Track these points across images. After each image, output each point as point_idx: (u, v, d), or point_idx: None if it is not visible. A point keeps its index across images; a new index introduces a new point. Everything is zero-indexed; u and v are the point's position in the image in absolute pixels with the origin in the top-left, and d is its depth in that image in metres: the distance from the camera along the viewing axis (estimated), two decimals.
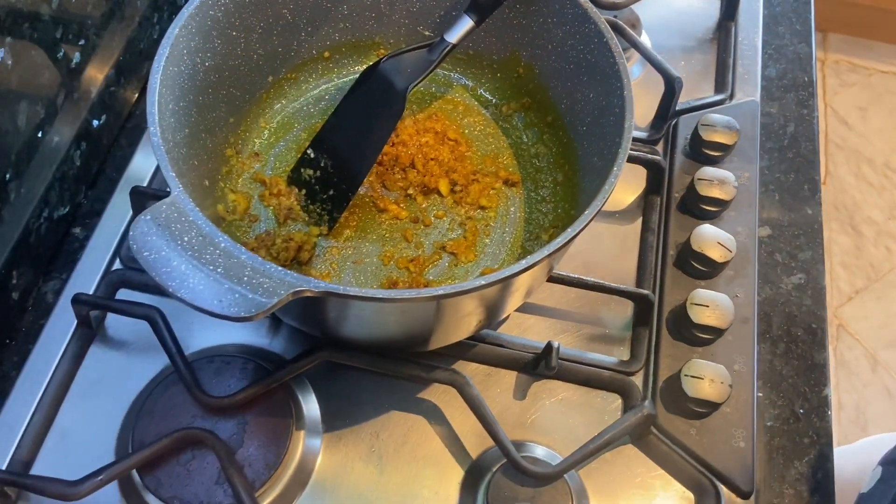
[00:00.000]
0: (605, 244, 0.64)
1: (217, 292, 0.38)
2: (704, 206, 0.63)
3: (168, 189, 0.42)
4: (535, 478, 0.50)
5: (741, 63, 0.75)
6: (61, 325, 0.56)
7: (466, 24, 0.55)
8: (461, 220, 0.59)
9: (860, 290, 1.69)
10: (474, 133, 0.63)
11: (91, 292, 0.58)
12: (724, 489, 0.52)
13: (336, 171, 0.57)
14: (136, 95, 0.70)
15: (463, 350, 0.56)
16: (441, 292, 0.41)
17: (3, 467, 0.51)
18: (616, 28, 0.64)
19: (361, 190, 0.58)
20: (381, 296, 0.40)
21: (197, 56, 0.52)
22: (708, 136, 0.65)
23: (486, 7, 0.54)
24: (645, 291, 0.58)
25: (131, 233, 0.39)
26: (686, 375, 0.53)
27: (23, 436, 0.52)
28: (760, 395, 0.58)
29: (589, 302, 0.60)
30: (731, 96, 0.72)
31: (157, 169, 0.65)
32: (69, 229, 0.62)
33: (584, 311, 0.60)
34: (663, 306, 0.59)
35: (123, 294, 0.58)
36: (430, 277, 0.56)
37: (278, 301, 0.38)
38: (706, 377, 0.53)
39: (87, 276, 0.59)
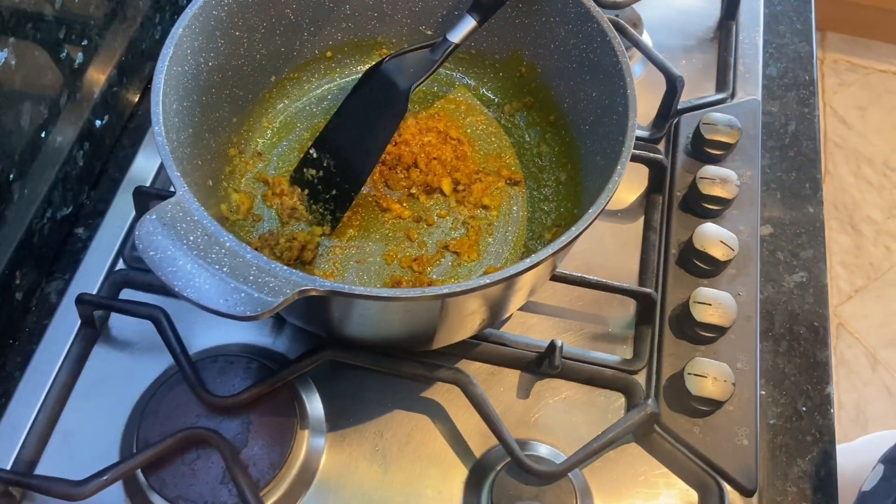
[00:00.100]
0: (608, 243, 0.64)
1: (223, 291, 0.38)
2: (706, 205, 0.63)
3: (171, 189, 0.42)
4: (540, 476, 0.50)
5: (742, 62, 0.75)
6: (65, 325, 0.56)
7: (469, 23, 0.55)
8: (464, 219, 0.59)
9: (860, 288, 1.69)
10: (477, 132, 0.63)
11: (94, 292, 0.58)
12: (727, 487, 0.52)
13: (339, 170, 0.57)
14: (139, 95, 0.70)
15: (466, 349, 0.57)
16: (446, 291, 0.41)
17: (8, 467, 0.51)
18: (617, 27, 0.64)
19: (364, 189, 0.58)
20: (385, 295, 0.40)
21: (200, 56, 0.52)
22: (710, 134, 0.65)
23: (489, 7, 0.55)
24: (648, 290, 0.58)
25: (137, 232, 0.39)
26: (689, 374, 0.54)
27: (27, 436, 0.52)
28: (763, 393, 0.58)
29: (591, 300, 0.60)
30: (733, 95, 0.72)
31: (160, 169, 0.65)
32: (72, 229, 0.62)
33: (587, 309, 0.60)
34: (666, 305, 0.59)
35: (127, 294, 0.59)
36: (434, 276, 0.56)
37: (284, 300, 0.38)
38: (709, 375, 0.53)
39: (90, 277, 0.59)
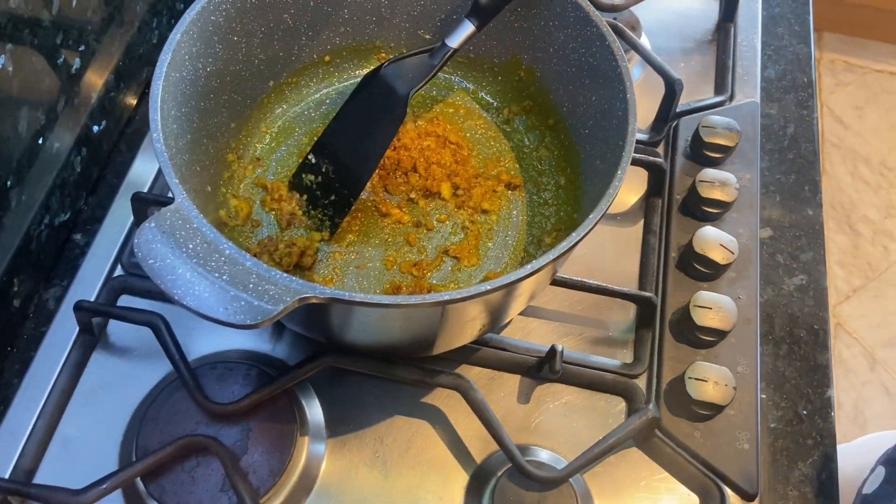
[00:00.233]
0: (607, 246, 0.64)
1: (223, 300, 0.38)
2: (706, 208, 0.63)
3: (170, 194, 0.42)
4: (541, 482, 0.49)
5: (741, 64, 0.75)
6: (63, 332, 0.56)
7: (468, 28, 0.55)
8: (463, 223, 0.59)
9: (857, 288, 1.69)
10: (476, 136, 0.63)
11: (93, 299, 0.57)
12: (728, 491, 0.52)
13: (337, 176, 0.57)
14: (136, 100, 0.70)
15: (466, 354, 0.56)
16: (446, 298, 0.41)
17: (7, 476, 0.51)
18: (616, 30, 0.64)
19: (363, 194, 0.58)
20: (386, 302, 0.40)
21: (199, 61, 0.52)
22: (709, 137, 0.65)
23: (488, 12, 0.54)
24: (648, 294, 0.58)
25: (136, 240, 0.39)
26: (690, 378, 0.53)
27: (26, 444, 0.52)
28: (764, 396, 0.58)
29: (592, 304, 0.60)
30: (731, 98, 0.72)
31: (158, 174, 0.64)
32: (70, 235, 0.62)
33: (587, 313, 0.60)
34: (666, 309, 0.59)
35: (125, 300, 0.58)
36: (434, 281, 0.56)
37: (284, 308, 0.38)
38: (710, 380, 0.53)
39: (88, 283, 0.58)
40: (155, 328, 0.52)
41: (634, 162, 0.64)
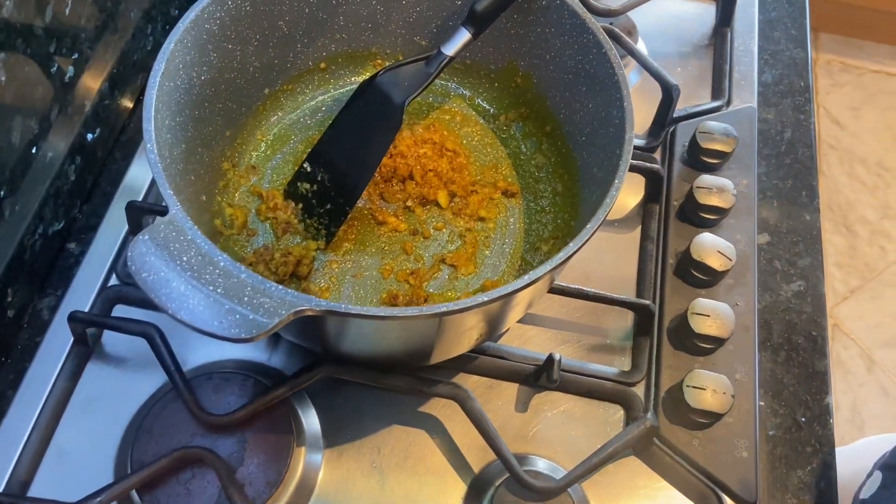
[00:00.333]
0: (605, 253, 0.63)
1: (217, 313, 0.38)
2: (703, 215, 0.62)
3: (164, 204, 0.42)
4: (539, 493, 0.49)
5: (737, 69, 0.75)
6: (57, 342, 0.56)
7: (464, 36, 0.54)
8: (460, 231, 0.58)
9: (855, 289, 1.69)
10: (472, 143, 0.63)
11: (87, 309, 0.57)
12: (727, 500, 0.52)
13: (333, 185, 0.56)
14: (131, 107, 0.70)
15: (464, 362, 0.56)
16: (443, 310, 0.40)
17: (1, 489, 0.50)
18: (612, 35, 0.64)
19: (360, 202, 0.58)
20: (382, 314, 0.40)
21: (193, 70, 0.51)
22: (706, 143, 0.65)
23: (484, 19, 0.54)
24: (646, 302, 0.57)
25: (129, 253, 0.39)
26: (688, 386, 0.53)
27: (20, 455, 0.52)
28: (762, 403, 0.58)
29: (589, 311, 0.60)
30: (728, 103, 0.72)
31: (153, 181, 0.64)
32: (64, 245, 0.61)
33: (585, 320, 0.60)
34: (664, 316, 0.59)
35: (120, 310, 0.58)
36: (431, 290, 0.56)
37: (279, 321, 0.38)
38: (708, 388, 0.53)
39: (82, 293, 0.58)
40: (150, 339, 0.52)
41: (632, 168, 0.64)
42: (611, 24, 0.69)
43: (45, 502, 0.46)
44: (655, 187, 0.65)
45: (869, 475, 0.65)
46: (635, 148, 0.66)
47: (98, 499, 0.46)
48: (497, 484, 0.51)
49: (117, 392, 0.54)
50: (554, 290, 0.57)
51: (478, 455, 0.53)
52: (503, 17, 0.57)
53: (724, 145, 0.65)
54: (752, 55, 0.76)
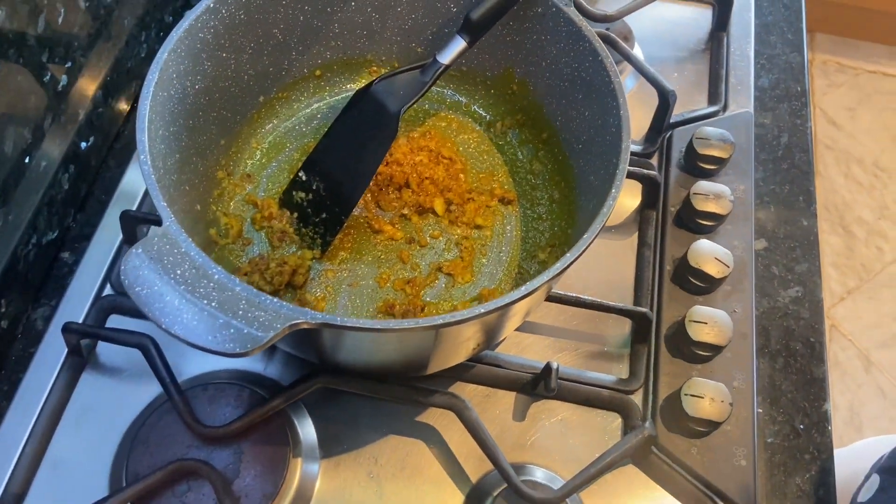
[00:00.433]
0: (602, 259, 0.63)
1: (211, 327, 0.37)
2: (701, 221, 0.62)
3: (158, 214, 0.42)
4: None
5: (734, 74, 0.75)
6: (52, 352, 0.55)
7: (459, 44, 0.54)
8: (457, 239, 0.58)
9: (852, 290, 1.69)
10: (469, 150, 0.63)
11: (81, 319, 0.57)
12: None
13: (328, 194, 0.56)
14: (125, 115, 0.69)
15: (461, 371, 0.56)
16: (440, 322, 0.40)
17: None
18: (608, 41, 0.64)
19: (356, 211, 0.57)
20: (378, 327, 0.40)
21: (187, 79, 0.51)
22: (703, 149, 0.65)
23: (479, 28, 0.54)
24: (643, 309, 0.57)
25: (122, 267, 0.39)
26: (686, 395, 0.53)
27: (15, 467, 0.51)
28: (760, 410, 0.58)
29: (587, 319, 0.60)
30: (725, 108, 0.72)
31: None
32: (58, 254, 0.61)
33: (582, 328, 0.60)
34: (661, 323, 0.59)
35: (115, 319, 0.58)
36: (428, 299, 0.55)
37: (275, 335, 0.37)
38: (706, 396, 0.53)
39: (76, 302, 0.58)
40: (144, 350, 0.52)
41: (628, 175, 0.64)
42: (607, 29, 0.69)
43: None
44: (652, 193, 0.65)
45: (867, 478, 0.65)
46: (632, 154, 0.66)
47: None
48: (495, 494, 0.51)
49: (113, 403, 0.54)
50: (551, 299, 0.57)
51: (475, 465, 0.53)
52: (499, 24, 0.57)
53: (720, 151, 0.65)
54: (749, 60, 0.76)
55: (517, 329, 0.59)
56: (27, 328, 0.57)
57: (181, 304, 0.38)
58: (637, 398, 0.56)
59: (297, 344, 0.50)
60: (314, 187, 0.57)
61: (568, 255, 0.43)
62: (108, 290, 0.59)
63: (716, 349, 0.56)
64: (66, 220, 0.62)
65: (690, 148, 0.66)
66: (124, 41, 0.66)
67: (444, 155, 0.60)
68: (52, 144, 0.58)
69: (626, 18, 0.73)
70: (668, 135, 0.69)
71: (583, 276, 0.61)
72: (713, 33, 0.78)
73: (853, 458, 0.78)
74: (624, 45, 0.66)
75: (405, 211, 0.58)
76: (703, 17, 0.80)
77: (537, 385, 0.55)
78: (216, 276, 0.39)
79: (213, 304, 0.38)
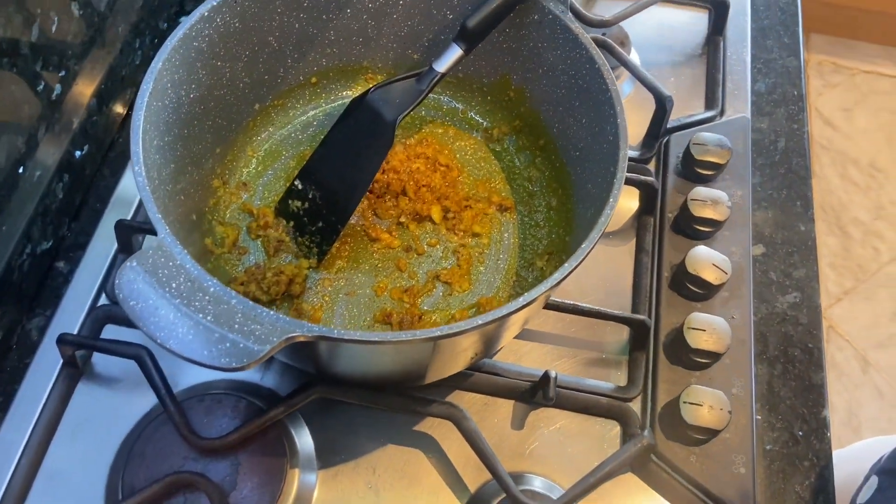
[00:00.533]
0: (600, 265, 0.63)
1: (207, 341, 0.37)
2: (698, 227, 0.62)
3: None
4: None
5: (731, 78, 0.74)
6: (47, 363, 0.55)
7: (455, 52, 0.54)
8: (455, 247, 0.58)
9: (849, 290, 1.70)
10: (466, 157, 0.62)
11: (77, 329, 0.56)
12: None
13: (325, 203, 0.56)
14: (119, 123, 0.69)
15: (459, 380, 0.56)
16: (437, 334, 0.40)
17: None
18: (605, 46, 0.64)
19: (352, 219, 0.57)
20: (375, 339, 0.39)
21: (181, 88, 0.51)
22: (700, 155, 0.65)
23: (476, 35, 0.54)
24: (641, 317, 0.57)
25: (117, 280, 0.38)
26: (685, 402, 0.53)
27: (10, 479, 0.51)
28: (759, 417, 0.57)
29: (585, 326, 0.59)
30: (722, 112, 0.72)
31: None
32: (53, 264, 0.61)
33: (581, 335, 0.59)
34: (660, 330, 0.58)
35: (110, 330, 0.57)
36: (425, 308, 0.55)
37: (271, 348, 0.37)
38: (705, 404, 0.53)
39: (72, 313, 0.57)
40: (140, 361, 0.51)
41: (626, 181, 0.63)
42: (603, 34, 0.69)
43: None
44: (650, 199, 0.65)
45: (866, 479, 0.65)
46: (629, 159, 0.66)
47: None
48: None
49: (108, 414, 0.54)
50: (549, 306, 0.57)
51: (474, 474, 0.53)
52: (495, 31, 0.56)
53: (718, 157, 0.65)
54: (745, 64, 0.76)
55: (516, 337, 0.59)
56: (22, 339, 0.57)
57: (176, 317, 0.38)
58: (636, 406, 0.56)
59: (294, 355, 0.49)
60: (310, 196, 0.56)
61: (566, 264, 0.43)
62: (103, 300, 0.58)
63: (714, 356, 0.56)
64: (60, 230, 0.61)
65: (687, 153, 0.66)
66: (119, 48, 0.66)
67: (441, 162, 0.60)
68: (46, 153, 0.58)
69: (622, 23, 0.73)
70: (665, 140, 0.69)
71: (580, 283, 0.61)
72: (710, 38, 0.78)
73: (852, 460, 0.78)
74: (620, 50, 0.66)
75: (402, 219, 0.58)
76: (699, 21, 0.80)
77: (536, 393, 0.55)
78: (212, 289, 0.39)
79: (209, 317, 0.38)
